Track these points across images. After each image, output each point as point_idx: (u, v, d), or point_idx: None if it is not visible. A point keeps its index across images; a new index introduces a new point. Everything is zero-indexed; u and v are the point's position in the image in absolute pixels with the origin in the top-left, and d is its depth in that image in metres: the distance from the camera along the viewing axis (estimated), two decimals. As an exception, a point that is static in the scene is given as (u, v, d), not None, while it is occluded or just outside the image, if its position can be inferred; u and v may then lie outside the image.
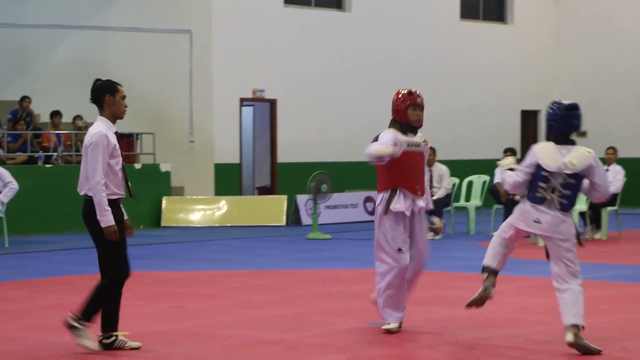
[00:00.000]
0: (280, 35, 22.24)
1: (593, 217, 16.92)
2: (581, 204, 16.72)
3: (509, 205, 17.51)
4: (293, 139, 22.49)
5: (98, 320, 7.63)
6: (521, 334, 8.30)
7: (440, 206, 17.45)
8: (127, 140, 20.94)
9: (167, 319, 9.27)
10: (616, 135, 25.01)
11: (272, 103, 22.31)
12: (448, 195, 17.79)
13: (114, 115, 7.73)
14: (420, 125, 8.56)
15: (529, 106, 26.47)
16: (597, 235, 16.87)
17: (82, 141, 20.27)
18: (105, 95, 7.68)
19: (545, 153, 7.60)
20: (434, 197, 17.47)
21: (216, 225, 20.42)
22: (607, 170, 17.40)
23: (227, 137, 21.61)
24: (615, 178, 17.23)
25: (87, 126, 21.02)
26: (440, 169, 17.73)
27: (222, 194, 21.35)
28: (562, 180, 7.54)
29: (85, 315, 7.55)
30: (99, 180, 7.41)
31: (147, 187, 20.34)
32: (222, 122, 21.52)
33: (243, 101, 21.97)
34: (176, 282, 12.05)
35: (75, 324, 7.51)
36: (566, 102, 7.73)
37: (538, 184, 7.59)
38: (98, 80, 7.77)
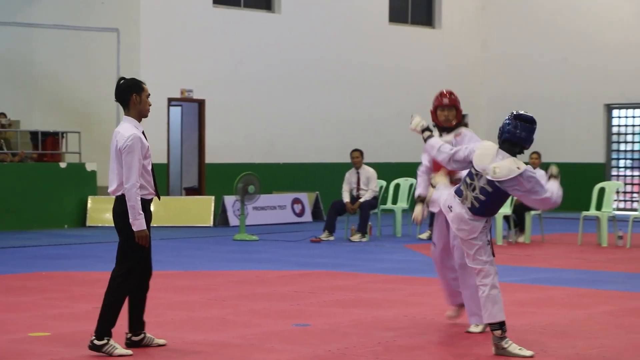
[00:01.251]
0: (209, 35, 22.16)
1: (517, 220, 17.14)
2: (505, 208, 16.93)
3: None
4: (221, 139, 22.43)
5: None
6: (444, 336, 8.37)
7: (367, 208, 17.55)
8: (52, 139, 20.73)
9: (91, 319, 9.17)
10: (541, 140, 25.29)
11: (201, 103, 22.22)
12: (375, 198, 17.89)
13: (140, 115, 7.77)
14: (449, 125, 8.68)
15: (456, 110, 26.72)
16: (521, 239, 17.08)
17: (5, 139, 20.08)
18: (132, 94, 7.70)
19: (482, 151, 7.63)
20: (361, 200, 17.57)
21: (142, 225, 20.24)
22: (532, 174, 17.63)
23: (154, 137, 21.39)
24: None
25: (10, 124, 20.74)
26: (368, 172, 17.83)
27: (149, 194, 21.17)
28: (483, 183, 7.62)
29: (105, 329, 7.49)
30: (134, 183, 7.49)
31: (72, 186, 20.14)
32: (149, 121, 21.09)
33: (171, 101, 21.86)
34: (101, 282, 11.87)
35: (101, 343, 7.46)
36: (524, 113, 7.70)
37: (465, 178, 7.70)
38: (122, 78, 7.79)
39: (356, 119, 24.07)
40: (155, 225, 20.17)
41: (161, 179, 21.62)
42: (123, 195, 7.56)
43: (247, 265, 13.88)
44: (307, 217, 21.89)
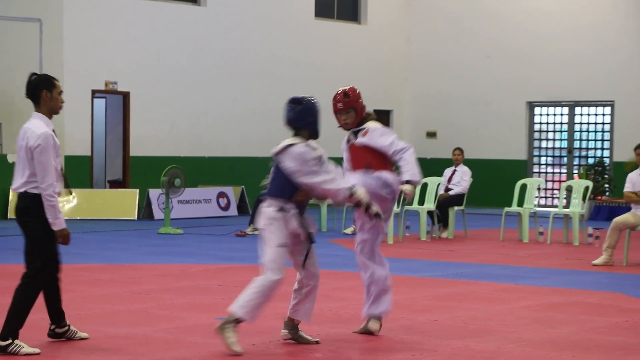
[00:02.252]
0: (134, 27, 21.98)
1: (440, 216, 17.32)
2: (429, 203, 17.10)
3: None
4: (146, 132, 22.27)
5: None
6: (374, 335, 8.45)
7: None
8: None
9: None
10: (464, 137, 25.65)
11: (125, 96, 22.04)
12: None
13: (51, 111, 7.61)
14: (350, 128, 8.36)
15: (381, 106, 26.87)
16: (444, 234, 17.27)
17: None
18: (43, 90, 7.54)
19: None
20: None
21: (66, 218, 19.91)
22: (455, 171, 17.85)
23: (78, 128, 21.23)
24: (462, 178, 17.67)
25: None
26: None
27: (73, 186, 20.87)
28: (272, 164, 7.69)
29: (11, 329, 7.35)
30: (51, 183, 7.33)
31: (-7, 178, 19.84)
32: (73, 113, 21.11)
33: (95, 93, 21.64)
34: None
35: (6, 343, 7.31)
36: (294, 96, 7.79)
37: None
38: (34, 74, 7.61)
39: (281, 113, 24.04)
40: (79, 218, 20.15)
41: (85, 172, 21.41)
42: (27, 193, 7.40)
43: (172, 258, 13.82)
44: (233, 211, 21.86)
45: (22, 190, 7.43)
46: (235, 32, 23.68)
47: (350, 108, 8.32)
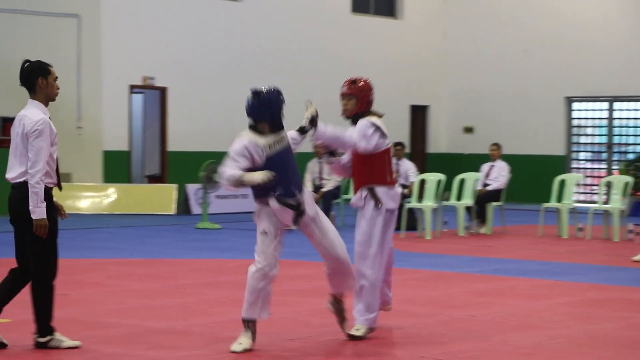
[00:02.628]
0: (172, 22, 22.05)
1: (479, 212, 17.24)
2: (467, 199, 17.03)
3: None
4: (183, 127, 22.35)
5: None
6: (406, 326, 8.42)
7: (330, 198, 17.60)
8: (12, 125, 20.54)
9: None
10: (501, 132, 25.52)
11: (163, 91, 22.12)
12: (338, 188, 17.94)
13: (47, 98, 7.42)
14: (348, 115, 8.25)
15: (418, 101, 26.80)
16: (482, 230, 17.18)
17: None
18: (38, 78, 7.36)
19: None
20: (324, 189, 17.60)
21: (104, 213, 20.20)
22: (493, 166, 17.76)
23: (116, 124, 21.35)
24: (500, 174, 17.58)
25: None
26: (330, 161, 17.83)
27: (111, 181, 21.10)
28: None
29: (45, 327, 7.38)
30: (40, 169, 7.18)
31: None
32: (111, 108, 21.26)
33: (133, 88, 21.74)
34: (61, 269, 11.79)
35: (45, 340, 7.36)
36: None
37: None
38: (27, 61, 7.46)
39: (318, 108, 24.02)
40: (117, 212, 20.27)
41: (123, 167, 21.53)
42: (23, 183, 7.27)
43: (209, 253, 13.86)
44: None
45: (20, 180, 7.29)
46: (271, 28, 23.70)
47: (353, 95, 8.17)
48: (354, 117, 8.16)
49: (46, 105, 7.41)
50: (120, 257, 13.19)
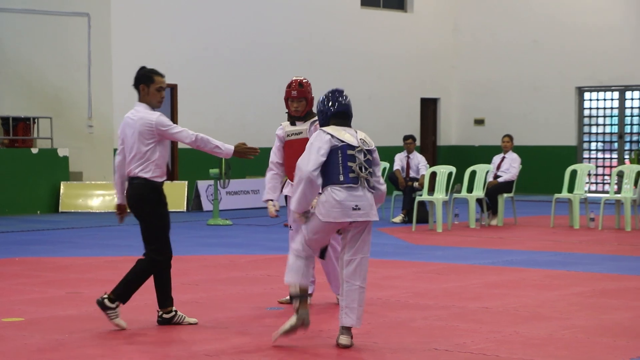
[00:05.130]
0: (181, 20, 22.07)
1: (490, 203, 17.22)
2: (478, 191, 17.01)
3: (408, 192, 17.75)
4: (193, 124, 22.29)
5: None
6: (418, 318, 8.42)
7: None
8: (23, 124, 20.60)
9: (65, 304, 9.18)
10: (513, 123, 25.48)
11: (173, 88, 22.15)
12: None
13: (150, 105, 7.86)
14: (300, 115, 8.90)
15: (428, 94, 26.79)
16: (494, 222, 17.16)
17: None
18: (140, 85, 7.85)
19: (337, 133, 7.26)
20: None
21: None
22: (504, 158, 17.73)
23: (126, 122, 21.35)
24: (511, 165, 17.55)
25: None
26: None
27: (122, 179, 21.11)
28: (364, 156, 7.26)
29: (123, 296, 7.81)
30: (188, 133, 7.94)
31: (44, 172, 20.06)
32: (121, 107, 21.24)
33: (143, 86, 21.74)
34: (73, 268, 11.92)
35: (111, 305, 7.75)
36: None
37: (347, 164, 7.18)
38: (142, 68, 7.95)
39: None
40: (128, 210, 20.22)
41: (134, 164, 21.54)
42: (140, 178, 7.74)
43: (221, 249, 13.88)
44: (281, 201, 21.81)
45: (137, 174, 7.78)
46: (281, 24, 23.70)
47: (303, 97, 8.88)
48: (304, 116, 8.92)
49: (152, 109, 7.87)
50: (132, 254, 13.19)
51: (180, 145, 22.27)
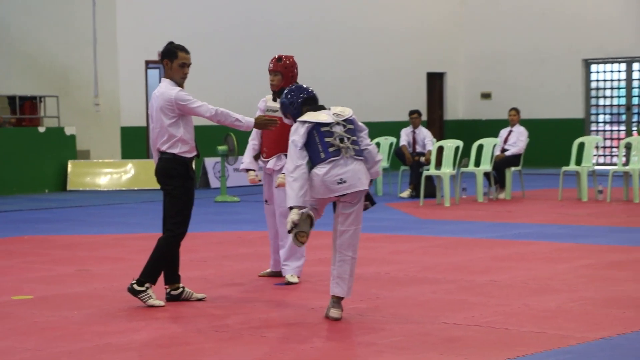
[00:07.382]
0: (186, -4, 22.01)
1: (497, 177, 17.19)
2: (485, 165, 16.98)
3: (415, 167, 17.73)
4: (200, 101, 22.31)
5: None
6: (426, 292, 8.43)
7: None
8: (30, 103, 20.60)
9: (73, 282, 9.20)
10: (520, 97, 25.41)
11: (179, 65, 22.07)
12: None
13: (173, 81, 7.87)
14: (275, 89, 8.95)
15: (434, 68, 26.70)
16: (502, 195, 17.15)
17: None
18: (164, 60, 7.87)
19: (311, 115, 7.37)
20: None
21: (123, 188, 20.25)
22: (511, 131, 17.69)
23: (133, 100, 21.37)
24: (518, 139, 17.51)
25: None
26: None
27: (129, 157, 21.15)
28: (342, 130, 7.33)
29: (152, 277, 7.85)
30: (208, 107, 7.89)
31: (51, 150, 20.06)
32: (127, 84, 21.27)
33: (149, 64, 21.73)
34: (82, 245, 11.94)
35: (141, 288, 7.80)
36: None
37: (324, 140, 7.25)
38: (170, 43, 7.95)
39: (334, 78, 24.00)
40: (136, 188, 20.33)
41: (141, 142, 21.56)
42: (167, 153, 7.77)
43: (229, 226, 13.89)
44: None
45: (164, 148, 7.79)
46: (288, 0, 23.62)
47: (278, 72, 8.90)
48: (279, 91, 8.78)
49: (177, 85, 7.85)
50: (140, 232, 13.23)
51: (187, 123, 22.22)
